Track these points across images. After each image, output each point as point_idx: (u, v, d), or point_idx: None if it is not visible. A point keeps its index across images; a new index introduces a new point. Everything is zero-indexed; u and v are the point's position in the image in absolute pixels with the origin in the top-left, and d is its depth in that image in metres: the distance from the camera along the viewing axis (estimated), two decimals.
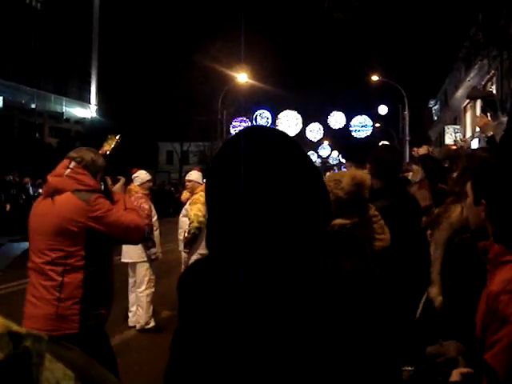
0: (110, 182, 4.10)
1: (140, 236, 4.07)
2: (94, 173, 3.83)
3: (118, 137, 4.80)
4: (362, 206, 3.25)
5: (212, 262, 1.36)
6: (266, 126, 1.59)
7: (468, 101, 33.24)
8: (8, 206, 21.94)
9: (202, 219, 7.29)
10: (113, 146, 4.68)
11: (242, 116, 31.48)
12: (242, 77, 32.63)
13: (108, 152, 4.55)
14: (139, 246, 7.48)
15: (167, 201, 27.97)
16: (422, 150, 5.40)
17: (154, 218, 7.96)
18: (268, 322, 1.23)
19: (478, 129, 28.46)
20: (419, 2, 16.58)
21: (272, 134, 1.36)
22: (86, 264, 3.65)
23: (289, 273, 1.24)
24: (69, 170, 3.74)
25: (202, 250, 7.29)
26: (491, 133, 4.20)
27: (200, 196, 7.47)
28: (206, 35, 38.57)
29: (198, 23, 41.64)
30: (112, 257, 4.03)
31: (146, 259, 7.77)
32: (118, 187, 4.19)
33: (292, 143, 1.34)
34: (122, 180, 4.30)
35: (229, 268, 1.27)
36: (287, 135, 1.38)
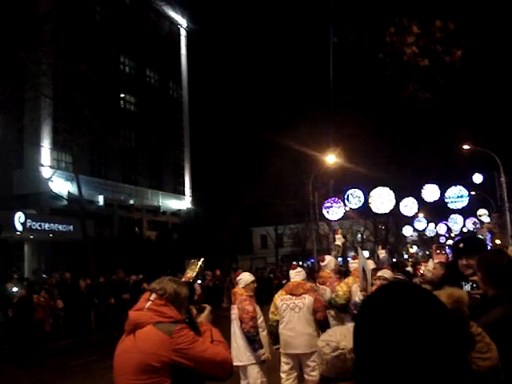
0: (195, 311, 3.87)
1: (228, 371, 3.68)
2: (178, 305, 3.62)
3: (201, 261, 4.50)
4: (463, 325, 3.12)
5: None
6: (407, 283, 1.73)
7: None
8: (113, 300, 22.62)
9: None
10: (197, 271, 4.41)
11: (332, 197, 31.42)
12: (331, 158, 32.89)
13: (192, 279, 4.31)
14: (247, 349, 7.63)
15: (267, 288, 27.86)
16: None
17: (260, 320, 8.03)
18: None
19: None
20: (501, 69, 16.40)
21: (414, 290, 1.47)
22: None
23: None
24: (150, 303, 3.55)
25: None
26: None
27: None
28: (293, 120, 39.47)
29: (287, 108, 42.73)
30: None
31: (255, 361, 7.79)
32: (204, 317, 3.92)
33: (432, 297, 1.43)
34: (208, 308, 4.02)
35: None
36: (425, 290, 1.48)
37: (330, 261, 10.07)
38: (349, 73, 31.74)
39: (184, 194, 51.24)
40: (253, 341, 7.69)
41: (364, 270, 7.74)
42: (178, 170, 51.03)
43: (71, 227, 32.89)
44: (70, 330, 20.63)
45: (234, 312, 7.95)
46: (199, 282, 21.83)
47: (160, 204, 46.91)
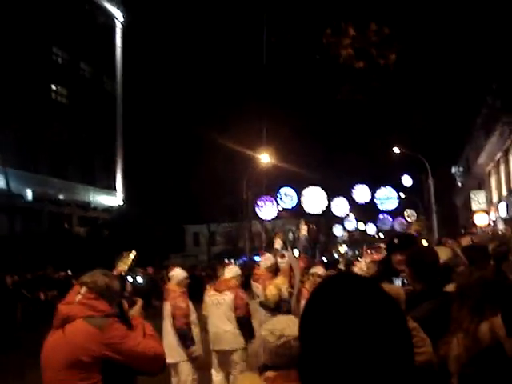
0: (126, 305, 3.73)
1: (161, 366, 3.62)
2: (110, 299, 3.51)
3: (132, 255, 4.42)
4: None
5: None
6: (354, 275, 1.72)
7: (492, 165, 33.38)
8: (42, 295, 22.09)
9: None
10: (128, 264, 4.33)
11: (266, 195, 31.64)
12: (265, 157, 33.11)
13: (123, 272, 4.22)
14: (179, 345, 7.61)
15: (199, 286, 27.67)
16: (465, 241, 5.39)
17: (193, 316, 7.97)
18: None
19: (505, 192, 28.15)
20: (433, 74, 16.89)
21: (361, 281, 1.47)
22: None
23: None
24: (80, 297, 3.43)
25: None
26: None
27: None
28: (227, 119, 39.52)
29: (221, 106, 42.71)
30: None
31: (187, 358, 7.75)
32: (136, 311, 3.78)
33: (379, 290, 1.44)
34: (140, 302, 3.90)
35: None
36: (374, 282, 1.49)
37: (268, 258, 10.23)
38: (285, 72, 32.02)
39: (116, 190, 50.43)
40: (185, 338, 7.63)
41: (291, 268, 7.85)
42: (111, 165, 50.13)
43: None
44: None
45: (167, 308, 7.86)
46: (130, 279, 21.57)
47: (91, 199, 46.00)
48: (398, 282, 4.76)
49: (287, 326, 2.91)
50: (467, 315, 2.81)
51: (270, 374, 2.82)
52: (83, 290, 3.45)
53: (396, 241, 5.03)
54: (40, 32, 38.02)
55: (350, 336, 1.32)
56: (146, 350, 3.42)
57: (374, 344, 1.31)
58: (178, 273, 8.21)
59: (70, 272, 25.24)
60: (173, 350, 7.61)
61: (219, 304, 8.08)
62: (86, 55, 46.04)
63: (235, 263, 40.83)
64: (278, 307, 8.60)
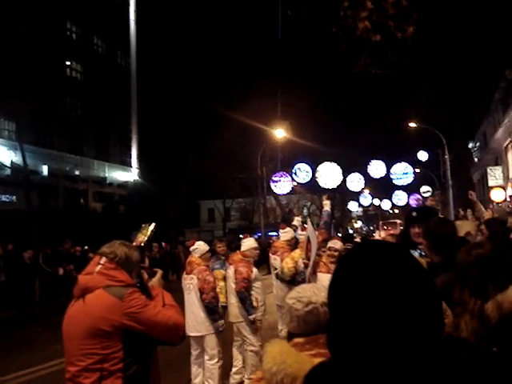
0: (146, 275, 3.77)
1: (180, 336, 3.65)
2: (129, 269, 3.53)
3: (152, 226, 4.45)
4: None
5: (336, 367, 1.40)
6: (383, 241, 1.71)
7: (509, 140, 33.02)
8: (61, 270, 22.31)
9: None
10: (148, 235, 4.35)
11: (281, 171, 31.61)
12: (280, 132, 32.95)
13: (143, 244, 4.23)
14: (206, 319, 7.62)
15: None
16: (487, 215, 5.34)
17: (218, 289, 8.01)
18: None
19: None
20: (452, 48, 16.67)
21: (391, 247, 1.47)
22: (124, 367, 3.32)
23: (410, 380, 1.30)
24: (100, 267, 3.46)
25: None
26: None
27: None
28: (243, 92, 39.31)
29: (235, 80, 42.48)
30: (156, 357, 3.63)
31: (213, 331, 7.78)
32: (155, 281, 3.83)
33: (409, 255, 1.44)
34: (160, 272, 3.95)
35: (353, 374, 1.33)
36: (403, 249, 1.47)
37: (288, 232, 10.24)
38: (301, 46, 31.74)
39: (131, 166, 50.56)
40: (213, 311, 7.67)
41: (309, 240, 7.81)
42: (125, 140, 50.21)
43: (14, 198, 32.12)
44: (14, 302, 20.25)
45: (192, 282, 7.80)
46: (146, 253, 21.72)
47: (106, 175, 46.15)
48: (415, 254, 4.74)
49: (313, 293, 2.93)
50: (470, 296, 2.75)
51: (298, 339, 2.81)
52: (103, 260, 3.47)
53: (414, 214, 5.02)
54: (54, 7, 37.88)
55: (380, 301, 1.31)
56: (165, 319, 3.45)
57: (405, 309, 1.31)
58: (201, 246, 8.17)
59: (86, 247, 25.44)
60: (199, 324, 7.70)
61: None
62: (99, 30, 45.86)
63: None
64: (292, 280, 8.60)
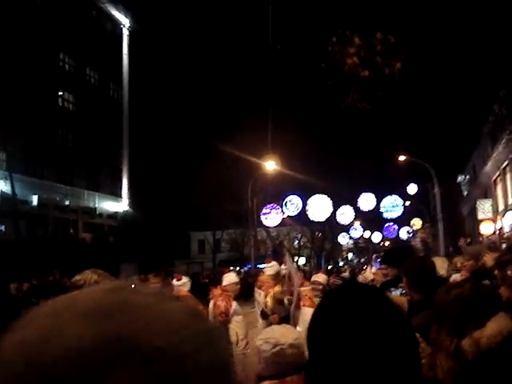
0: None
1: None
2: None
3: None
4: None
5: None
6: (363, 285, 1.76)
7: (498, 174, 33.24)
8: None
9: None
10: None
11: (271, 203, 31.64)
12: (270, 164, 33.00)
13: None
14: None
15: (204, 293, 27.63)
16: (489, 259, 5.39)
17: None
18: None
19: (511, 201, 28.04)
20: (439, 82, 16.85)
21: (369, 291, 1.50)
22: None
23: None
24: None
25: None
26: None
27: None
28: (232, 125, 39.48)
29: (226, 112, 42.70)
30: None
31: None
32: None
33: (387, 301, 1.46)
34: None
35: None
36: (381, 292, 1.55)
37: (273, 266, 10.18)
38: (290, 80, 32.00)
39: (121, 197, 50.49)
40: None
41: (290, 275, 7.80)
42: (116, 171, 50.24)
43: (3, 227, 31.91)
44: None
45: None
46: None
47: (96, 206, 46.04)
48: (397, 293, 4.75)
49: (282, 334, 2.92)
50: (447, 336, 2.74)
51: (266, 383, 2.81)
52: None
53: (381, 254, 5.12)
54: (47, 38, 38.20)
55: (357, 342, 1.33)
56: None
57: (381, 351, 1.32)
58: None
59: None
60: None
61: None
62: (92, 62, 46.23)
63: (240, 270, 40.93)
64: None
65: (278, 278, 9.86)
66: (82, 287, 3.46)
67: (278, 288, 8.72)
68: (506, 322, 2.60)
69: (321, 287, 7.76)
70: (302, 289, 7.78)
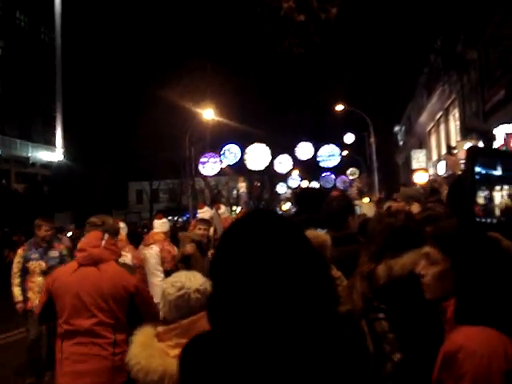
0: None
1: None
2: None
3: None
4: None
5: (215, 338, 1.36)
6: (270, 211, 1.66)
7: (432, 124, 33.96)
8: None
9: None
10: None
11: (209, 152, 31.43)
12: (208, 113, 32.61)
13: None
14: None
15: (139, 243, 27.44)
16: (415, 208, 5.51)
17: None
18: None
19: (444, 151, 28.75)
20: (377, 32, 16.85)
21: (277, 218, 1.41)
22: (128, 325, 3.96)
23: (290, 352, 1.26)
24: (104, 242, 4.24)
25: None
26: (459, 172, 4.27)
27: None
28: (170, 72, 38.66)
29: (163, 60, 41.74)
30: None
31: None
32: None
33: (297, 228, 1.39)
34: None
35: (232, 345, 1.30)
36: (290, 221, 1.43)
37: (206, 211, 9.92)
38: (226, 25, 31.52)
39: (56, 146, 49.14)
40: None
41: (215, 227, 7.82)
42: (50, 119, 48.74)
43: None
44: None
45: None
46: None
47: (30, 155, 44.72)
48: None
49: (188, 279, 2.99)
50: (367, 261, 2.83)
51: (160, 328, 2.88)
52: (106, 236, 4.29)
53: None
54: None
55: (260, 275, 1.26)
56: (154, 305, 4.20)
57: (286, 280, 1.26)
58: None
59: (6, 229, 24.64)
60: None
61: (145, 258, 7.80)
62: (22, 5, 44.14)
63: (177, 219, 40.85)
64: None
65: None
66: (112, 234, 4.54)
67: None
68: None
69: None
70: None
